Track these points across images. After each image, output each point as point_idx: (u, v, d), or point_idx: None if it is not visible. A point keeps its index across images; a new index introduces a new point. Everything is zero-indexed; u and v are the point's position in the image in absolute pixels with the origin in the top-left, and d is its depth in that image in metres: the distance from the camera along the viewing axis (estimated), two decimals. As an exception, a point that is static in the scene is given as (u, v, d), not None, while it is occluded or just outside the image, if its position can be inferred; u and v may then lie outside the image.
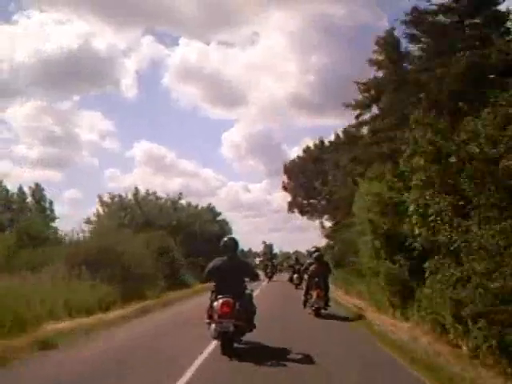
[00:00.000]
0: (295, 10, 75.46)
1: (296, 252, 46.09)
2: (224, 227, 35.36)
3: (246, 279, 7.61)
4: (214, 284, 7.43)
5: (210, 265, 7.59)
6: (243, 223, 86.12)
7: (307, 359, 6.62)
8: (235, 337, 6.93)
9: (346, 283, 18.61)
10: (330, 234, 30.69)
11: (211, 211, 36.01)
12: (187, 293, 18.76)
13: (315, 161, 36.90)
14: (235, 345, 6.97)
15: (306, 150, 39.58)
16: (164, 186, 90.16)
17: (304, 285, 13.23)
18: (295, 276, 22.43)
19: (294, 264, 24.11)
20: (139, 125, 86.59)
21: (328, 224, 34.35)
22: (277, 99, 78.16)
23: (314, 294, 11.80)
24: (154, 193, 29.63)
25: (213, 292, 7.31)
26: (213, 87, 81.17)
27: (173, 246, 20.83)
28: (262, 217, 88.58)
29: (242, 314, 6.97)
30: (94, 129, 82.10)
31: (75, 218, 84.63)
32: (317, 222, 37.71)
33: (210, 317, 7.06)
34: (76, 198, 72.93)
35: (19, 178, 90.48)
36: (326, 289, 12.13)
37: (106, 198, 27.54)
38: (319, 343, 8.11)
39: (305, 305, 12.44)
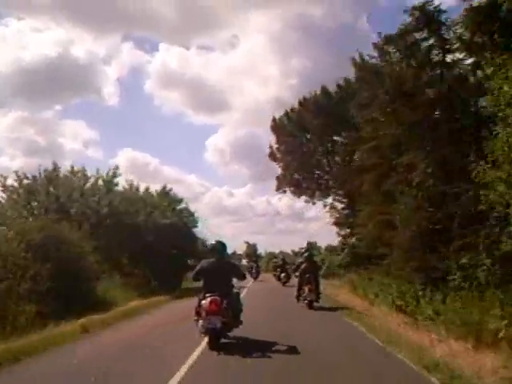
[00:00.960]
0: (274, 11, 74.33)
1: (282, 252, 45.34)
2: (185, 219, 25.45)
3: (234, 279, 8.13)
4: (202, 283, 7.95)
5: (198, 266, 8.10)
6: (227, 228, 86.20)
7: (300, 346, 7.23)
8: (222, 333, 7.43)
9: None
10: (343, 221, 25.03)
11: (166, 196, 25.14)
12: (90, 323, 9.74)
13: (319, 113, 25.68)
14: (223, 340, 7.49)
15: (303, 101, 27.33)
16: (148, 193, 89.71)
17: (293, 282, 14.11)
18: (282, 275, 23.74)
19: (282, 264, 25.27)
20: (122, 133, 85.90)
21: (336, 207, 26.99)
22: (259, 103, 76.59)
23: (306, 288, 12.76)
24: (83, 170, 19.81)
25: (201, 291, 7.82)
26: (195, 93, 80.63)
27: (75, 243, 13.03)
28: (246, 221, 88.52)
29: (228, 311, 7.47)
30: (77, 138, 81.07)
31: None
32: (319, 203, 28.91)
33: (198, 313, 7.57)
34: None
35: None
36: (317, 284, 13.12)
37: (13, 181, 18.25)
38: (312, 328, 9.49)
39: (298, 299, 13.35)
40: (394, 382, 5.63)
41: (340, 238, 26.39)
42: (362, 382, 5.61)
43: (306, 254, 13.81)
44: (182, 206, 26.06)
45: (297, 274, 13.68)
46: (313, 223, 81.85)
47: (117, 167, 20.90)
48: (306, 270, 13.18)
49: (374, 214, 15.26)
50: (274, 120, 28.85)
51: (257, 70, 78.96)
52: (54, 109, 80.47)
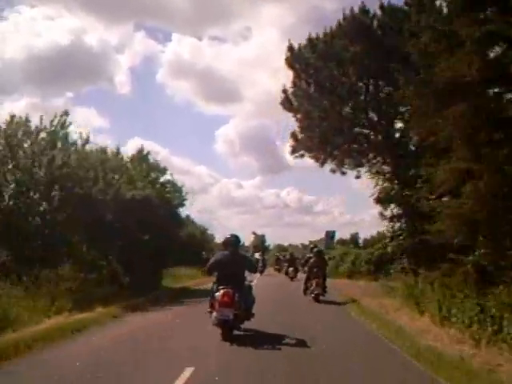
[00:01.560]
0: (287, 3, 73.38)
1: (291, 246, 45.16)
2: (168, 194, 18.99)
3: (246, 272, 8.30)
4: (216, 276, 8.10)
5: (213, 259, 8.29)
6: (235, 219, 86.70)
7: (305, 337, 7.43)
8: (235, 324, 7.60)
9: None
10: (384, 196, 16.30)
11: (142, 161, 18.38)
12: None
13: (359, 38, 16.66)
14: (236, 332, 7.67)
15: (338, 26, 17.64)
16: None
17: (300, 277, 14.38)
18: (290, 269, 23.75)
19: (290, 258, 25.44)
20: (133, 121, 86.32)
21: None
22: (271, 95, 76.48)
23: (314, 282, 13.13)
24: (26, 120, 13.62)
25: (214, 283, 7.98)
26: (207, 83, 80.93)
27: None
28: (254, 213, 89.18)
29: (241, 303, 7.64)
30: (87, 125, 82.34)
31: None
32: (353, 172, 19.07)
33: (212, 306, 7.74)
34: None
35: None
36: (324, 278, 13.49)
37: None
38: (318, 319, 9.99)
39: (305, 292, 13.72)
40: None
41: (385, 223, 17.19)
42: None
43: (315, 250, 14.33)
44: (166, 177, 19.39)
45: (305, 268, 13.91)
46: (321, 217, 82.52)
47: (66, 112, 14.12)
48: (314, 264, 13.58)
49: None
50: (290, 50, 18.73)
51: (269, 63, 79.02)
52: (65, 96, 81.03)
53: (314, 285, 12.97)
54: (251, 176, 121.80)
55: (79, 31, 73.62)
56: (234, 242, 8.22)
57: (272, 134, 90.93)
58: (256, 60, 78.75)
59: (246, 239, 50.83)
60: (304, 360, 6.31)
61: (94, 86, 77.22)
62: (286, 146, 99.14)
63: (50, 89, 77.54)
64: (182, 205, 20.18)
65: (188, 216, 29.24)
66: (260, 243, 38.30)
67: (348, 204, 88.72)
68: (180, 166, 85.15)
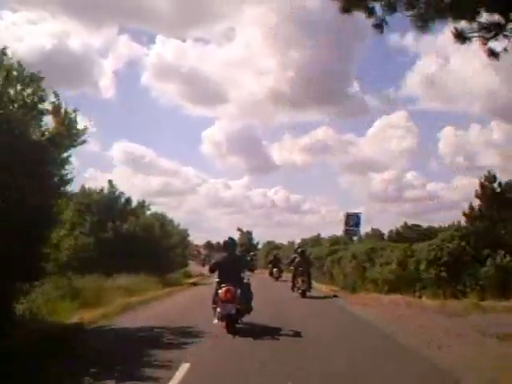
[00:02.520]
0: (270, 3, 72.01)
1: (278, 246, 41.89)
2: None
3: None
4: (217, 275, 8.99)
5: (213, 260, 9.23)
6: (223, 220, 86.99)
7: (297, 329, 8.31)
8: (237, 318, 8.49)
9: None
10: None
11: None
12: None
13: None
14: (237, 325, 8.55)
15: None
16: (144, 185, 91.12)
17: (285, 276, 15.48)
18: (275, 270, 24.71)
19: (273, 259, 26.39)
20: (119, 125, 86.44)
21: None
22: (256, 96, 75.45)
23: (300, 280, 14.32)
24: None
25: (217, 281, 8.86)
26: (192, 85, 79.66)
27: None
28: (242, 213, 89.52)
29: (241, 299, 8.53)
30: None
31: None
32: None
33: (215, 302, 8.62)
34: None
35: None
36: (309, 276, 14.65)
37: None
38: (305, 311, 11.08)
39: (293, 289, 14.80)
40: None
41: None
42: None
43: (299, 250, 15.54)
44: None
45: (291, 267, 14.98)
46: (309, 216, 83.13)
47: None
48: (299, 264, 14.76)
49: None
50: None
51: (253, 63, 77.69)
52: (48, 100, 79.80)
53: (300, 282, 14.14)
54: (239, 176, 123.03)
55: (62, 35, 72.65)
56: (231, 244, 9.19)
57: (259, 134, 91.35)
58: (240, 61, 77.02)
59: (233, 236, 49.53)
60: (299, 342, 7.36)
61: (78, 91, 76.06)
62: (273, 146, 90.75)
63: None
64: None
65: (144, 203, 22.98)
66: (247, 241, 37.44)
67: (336, 203, 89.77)
68: (167, 167, 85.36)
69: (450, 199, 69.83)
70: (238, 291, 8.48)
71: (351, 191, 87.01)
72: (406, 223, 39.13)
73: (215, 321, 8.59)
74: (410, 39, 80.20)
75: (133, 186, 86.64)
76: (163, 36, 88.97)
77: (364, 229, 32.89)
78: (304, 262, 14.83)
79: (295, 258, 15.20)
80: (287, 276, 15.94)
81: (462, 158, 77.32)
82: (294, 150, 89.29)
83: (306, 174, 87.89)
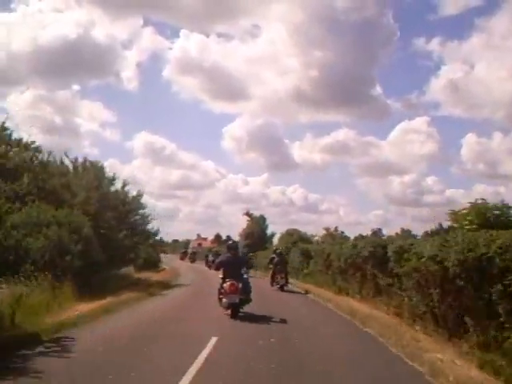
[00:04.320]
0: (296, 1, 70.45)
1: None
2: None
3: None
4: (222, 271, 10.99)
5: (218, 260, 11.25)
6: (240, 216, 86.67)
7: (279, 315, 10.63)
8: (240, 306, 10.53)
9: None
10: None
11: None
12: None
13: None
14: (241, 311, 10.61)
15: None
16: (163, 178, 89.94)
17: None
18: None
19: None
20: (140, 116, 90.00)
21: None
22: (279, 94, 75.75)
23: (279, 276, 16.83)
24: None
25: (222, 278, 10.85)
26: (214, 80, 79.54)
27: None
28: (259, 210, 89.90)
29: (242, 290, 10.60)
30: (94, 119, 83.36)
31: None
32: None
33: (221, 293, 10.61)
34: None
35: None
36: (286, 273, 17.16)
37: None
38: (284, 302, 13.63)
39: (272, 284, 17.22)
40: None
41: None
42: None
43: (278, 251, 18.24)
44: None
45: (270, 266, 17.26)
46: (326, 216, 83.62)
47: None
48: (277, 262, 17.22)
49: None
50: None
51: (277, 61, 77.36)
52: (71, 89, 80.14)
53: (279, 278, 16.63)
54: (258, 173, 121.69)
55: (87, 24, 72.50)
56: (234, 247, 11.33)
57: (280, 132, 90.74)
58: (263, 58, 76.67)
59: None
60: (284, 325, 9.76)
61: (100, 81, 76.70)
62: (294, 145, 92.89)
63: (56, 81, 76.28)
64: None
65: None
66: (258, 228, 30.89)
67: (353, 204, 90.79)
68: (187, 161, 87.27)
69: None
70: (240, 285, 10.54)
71: (369, 193, 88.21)
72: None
73: (221, 309, 10.62)
74: (435, 44, 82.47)
75: (152, 179, 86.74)
76: (187, 30, 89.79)
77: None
78: (281, 262, 17.29)
79: (274, 258, 17.66)
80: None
81: (483, 166, 78.44)
82: (314, 149, 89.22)
83: (325, 173, 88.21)
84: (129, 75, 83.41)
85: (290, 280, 17.04)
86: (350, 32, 67.99)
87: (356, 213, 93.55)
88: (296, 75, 74.58)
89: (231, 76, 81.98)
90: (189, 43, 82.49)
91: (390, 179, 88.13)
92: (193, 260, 47.61)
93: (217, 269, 11.37)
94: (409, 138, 77.27)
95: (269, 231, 35.22)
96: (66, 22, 72.52)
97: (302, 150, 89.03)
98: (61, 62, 68.57)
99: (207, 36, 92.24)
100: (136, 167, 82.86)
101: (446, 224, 12.32)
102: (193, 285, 19.50)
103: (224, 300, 10.55)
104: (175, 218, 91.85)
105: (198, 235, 75.94)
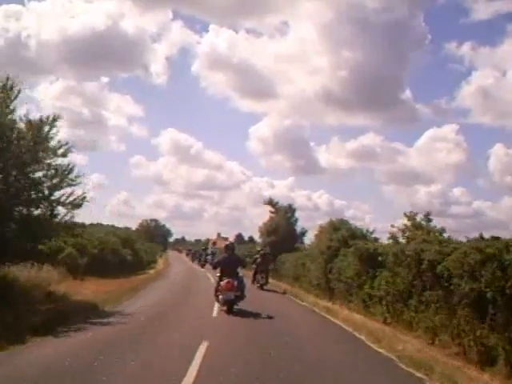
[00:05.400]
0: (326, 0, 69.96)
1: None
2: None
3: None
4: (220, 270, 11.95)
5: (216, 260, 12.20)
6: (266, 218, 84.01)
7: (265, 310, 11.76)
8: (235, 302, 11.53)
9: None
10: None
11: None
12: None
13: None
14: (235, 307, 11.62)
15: None
16: (188, 177, 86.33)
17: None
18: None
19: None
20: (167, 112, 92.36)
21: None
22: (306, 94, 74.70)
23: (260, 276, 17.95)
24: None
25: (219, 276, 11.81)
26: (242, 77, 79.18)
27: None
28: None
29: (237, 288, 11.61)
30: (121, 112, 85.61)
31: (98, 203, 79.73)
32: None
33: (218, 291, 11.58)
34: (99, 183, 71.17)
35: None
36: (267, 273, 18.35)
37: None
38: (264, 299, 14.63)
39: (253, 282, 18.33)
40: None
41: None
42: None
43: (261, 252, 19.27)
44: None
45: (253, 265, 18.39)
46: (351, 222, 79.81)
47: None
48: (260, 262, 18.35)
49: None
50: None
51: (305, 59, 75.80)
52: (100, 80, 77.46)
53: (259, 278, 17.81)
54: (283, 176, 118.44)
55: (116, 15, 74.36)
56: (231, 247, 12.31)
57: (306, 135, 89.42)
58: (292, 56, 74.81)
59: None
60: (270, 319, 10.90)
61: (129, 73, 74.84)
62: (320, 148, 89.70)
63: (85, 72, 76.07)
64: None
65: None
66: (285, 223, 24.14)
67: (379, 211, 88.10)
68: (212, 160, 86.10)
69: (495, 219, 67.29)
70: (236, 283, 11.55)
71: (395, 201, 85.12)
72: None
73: (217, 304, 11.57)
74: (466, 48, 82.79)
75: (178, 177, 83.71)
76: (216, 25, 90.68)
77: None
78: (264, 262, 18.41)
79: (257, 258, 18.79)
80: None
81: (511, 178, 74.69)
82: (340, 154, 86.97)
83: (350, 179, 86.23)
84: (158, 69, 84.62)
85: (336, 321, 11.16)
86: (379, 33, 66.16)
87: (381, 220, 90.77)
88: (324, 75, 73.87)
89: (259, 73, 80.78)
90: (218, 38, 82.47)
91: (416, 188, 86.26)
92: (193, 259, 45.12)
93: (214, 268, 12.33)
94: (436, 146, 75.13)
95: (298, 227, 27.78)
96: (95, 13, 73.80)
97: (328, 154, 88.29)
98: (90, 52, 68.71)
99: (236, 32, 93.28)
100: (162, 165, 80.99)
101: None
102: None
103: (221, 297, 11.53)
104: (200, 218, 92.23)
105: (218, 234, 71.75)
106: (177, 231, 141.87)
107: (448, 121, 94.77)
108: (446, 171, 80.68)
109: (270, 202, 25.13)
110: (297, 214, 25.49)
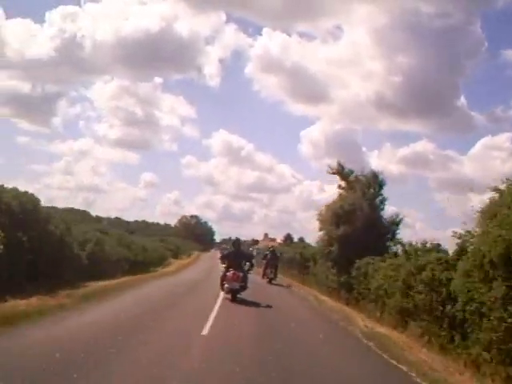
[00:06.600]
0: (381, 3, 68.61)
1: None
2: None
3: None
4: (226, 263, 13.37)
5: (221, 254, 13.64)
6: (314, 223, 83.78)
7: (269, 301, 13.13)
8: (238, 291, 12.92)
9: None
10: None
11: None
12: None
13: None
14: (238, 296, 12.99)
15: None
16: (238, 178, 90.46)
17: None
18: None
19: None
20: (219, 113, 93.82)
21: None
22: (359, 99, 74.15)
23: (269, 271, 19.69)
24: None
25: (225, 267, 13.22)
26: (295, 81, 79.29)
27: None
28: None
29: (242, 279, 13.00)
30: (174, 113, 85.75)
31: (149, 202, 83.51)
32: None
33: (223, 281, 12.98)
34: (151, 182, 70.86)
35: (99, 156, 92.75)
36: (276, 269, 20.05)
37: None
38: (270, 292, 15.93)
39: (263, 277, 20.07)
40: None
41: None
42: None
43: (271, 249, 21.28)
44: None
45: (264, 261, 20.02)
46: (402, 229, 78.15)
47: None
48: (269, 258, 20.01)
49: None
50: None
51: (359, 64, 75.95)
52: (153, 81, 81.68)
53: (269, 272, 19.46)
54: (334, 181, 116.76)
55: (170, 17, 76.31)
56: (237, 243, 13.68)
57: (359, 139, 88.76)
58: (345, 60, 74.74)
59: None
60: (271, 308, 12.31)
61: (183, 75, 77.02)
62: (372, 153, 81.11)
63: (139, 73, 79.26)
64: None
65: None
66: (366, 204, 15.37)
67: (430, 219, 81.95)
68: (263, 163, 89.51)
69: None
70: (241, 274, 12.92)
71: (447, 209, 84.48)
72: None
73: (222, 293, 12.98)
74: None
75: (228, 178, 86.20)
76: (269, 28, 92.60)
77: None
78: (273, 258, 20.08)
79: (267, 254, 20.45)
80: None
81: None
82: (392, 160, 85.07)
83: (401, 185, 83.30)
84: (211, 71, 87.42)
85: None
86: (434, 39, 64.76)
87: (432, 229, 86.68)
88: (378, 80, 72.82)
89: (312, 77, 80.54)
90: (271, 41, 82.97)
91: (469, 196, 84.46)
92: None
93: (222, 261, 13.78)
94: (491, 155, 73.37)
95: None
96: (149, 15, 76.40)
97: (379, 160, 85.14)
98: (144, 53, 70.85)
99: (289, 35, 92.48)
100: (213, 166, 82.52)
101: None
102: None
103: (226, 285, 12.94)
104: (249, 220, 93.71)
105: (266, 235, 71.31)
106: (224, 232, 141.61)
107: (504, 129, 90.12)
108: (499, 181, 76.82)
109: (340, 171, 16.13)
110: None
